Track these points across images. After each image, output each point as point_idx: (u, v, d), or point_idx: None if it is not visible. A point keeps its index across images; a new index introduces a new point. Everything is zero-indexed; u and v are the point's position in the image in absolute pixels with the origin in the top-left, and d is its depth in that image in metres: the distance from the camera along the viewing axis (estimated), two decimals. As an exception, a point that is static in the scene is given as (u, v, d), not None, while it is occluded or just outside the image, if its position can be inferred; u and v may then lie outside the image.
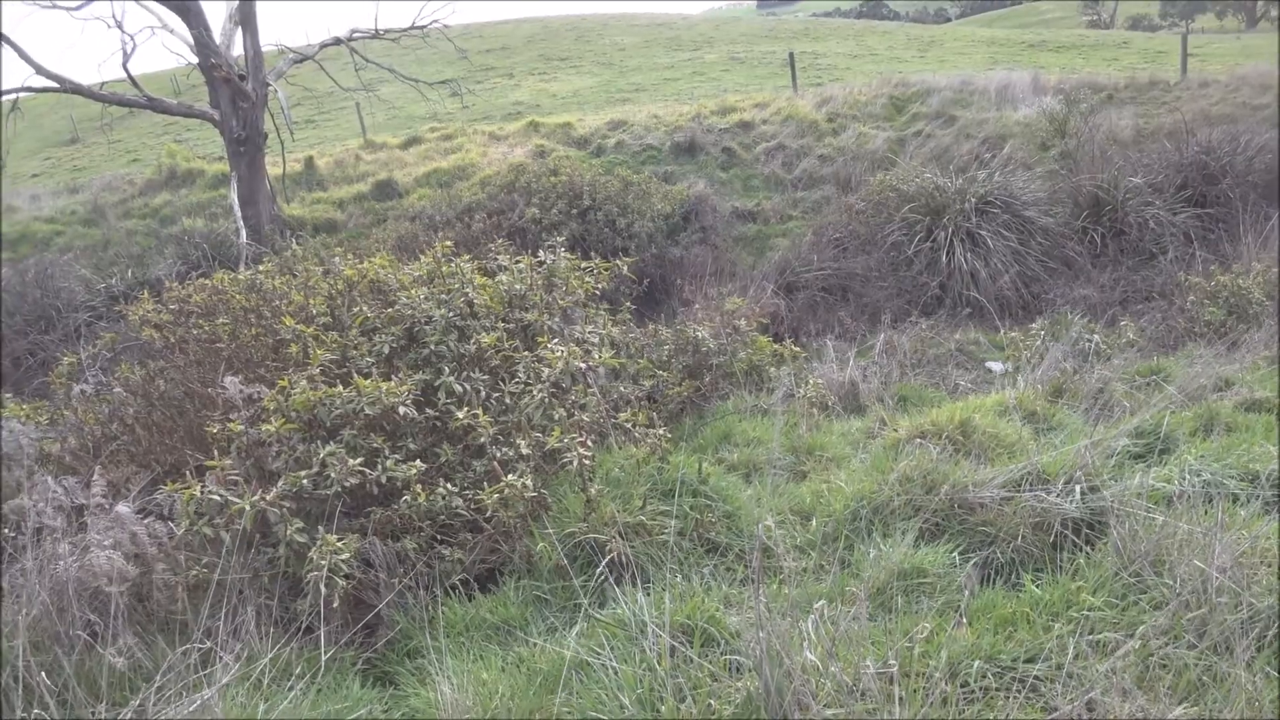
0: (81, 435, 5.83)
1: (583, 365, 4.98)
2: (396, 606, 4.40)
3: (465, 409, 4.83)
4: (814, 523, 4.61)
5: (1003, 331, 9.95)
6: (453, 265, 6.41)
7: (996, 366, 10.27)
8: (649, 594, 3.63)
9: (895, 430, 5.54)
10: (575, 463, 4.23)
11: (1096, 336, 8.37)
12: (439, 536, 4.67)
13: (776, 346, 7.67)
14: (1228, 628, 3.01)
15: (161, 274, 14.99)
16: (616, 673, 3.06)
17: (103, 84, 16.02)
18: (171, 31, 15.84)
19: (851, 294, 13.70)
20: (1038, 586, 3.65)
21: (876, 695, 2.59)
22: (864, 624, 3.47)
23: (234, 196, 16.44)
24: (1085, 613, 3.34)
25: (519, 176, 17.01)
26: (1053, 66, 24.10)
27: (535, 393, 4.94)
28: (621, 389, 6.24)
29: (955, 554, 4.11)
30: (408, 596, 4.41)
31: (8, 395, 6.99)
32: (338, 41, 17.73)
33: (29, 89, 15.29)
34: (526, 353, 5.29)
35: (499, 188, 17.13)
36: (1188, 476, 4.56)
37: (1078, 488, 4.20)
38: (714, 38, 34.23)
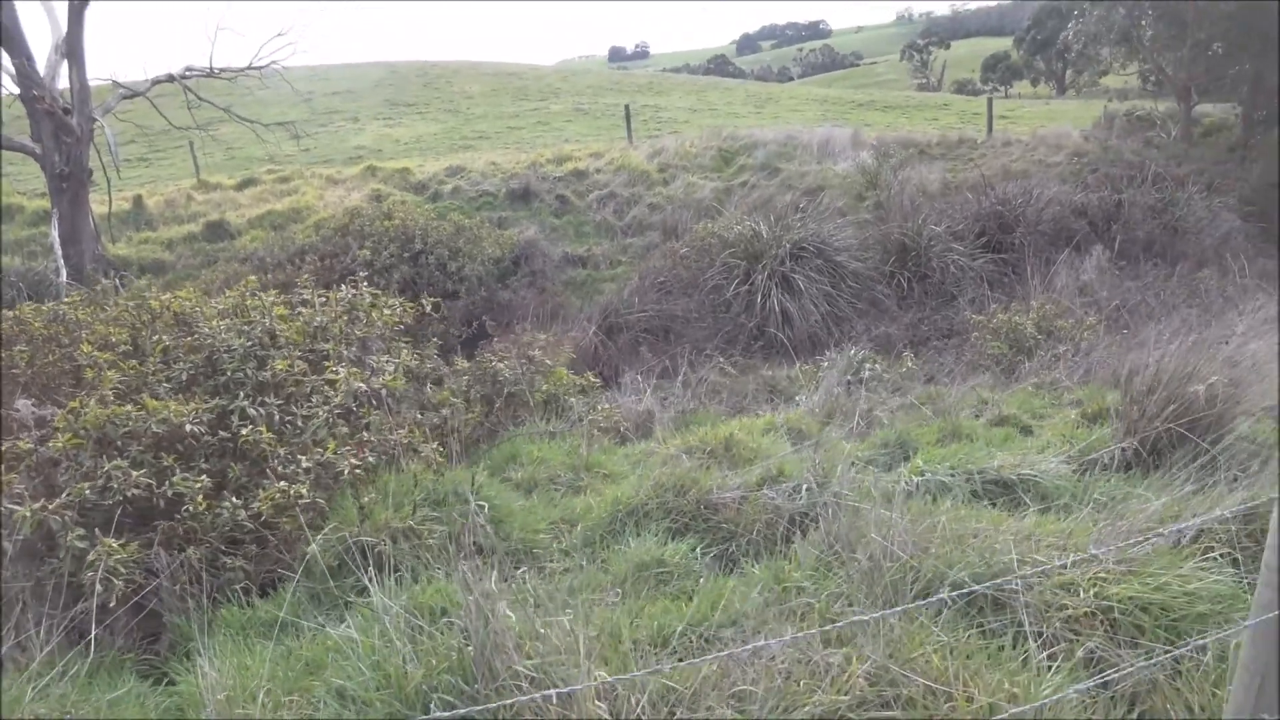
0: None
1: (363, 386, 5.31)
2: (179, 613, 4.59)
3: (252, 428, 5.08)
4: (578, 528, 5.06)
5: (797, 365, 10.75)
6: (257, 299, 6.64)
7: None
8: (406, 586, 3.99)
9: (666, 446, 6.07)
10: (346, 472, 4.56)
11: (878, 366, 9.20)
12: (224, 549, 4.88)
13: (576, 379, 8.16)
14: (889, 586, 3.59)
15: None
16: (360, 647, 3.40)
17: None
18: (-11, 60, 15.32)
19: (673, 334, 14.41)
20: (755, 569, 4.18)
21: (567, 648, 3.02)
22: (611, 605, 3.97)
23: (55, 234, 15.95)
24: (786, 585, 3.88)
25: (353, 220, 17.12)
26: (878, 124, 25.96)
27: (321, 414, 5.24)
28: (417, 415, 6.58)
29: (698, 548, 4.63)
30: (190, 603, 4.60)
31: None
32: (171, 79, 17.51)
33: None
34: (315, 377, 5.58)
35: (333, 230, 17.19)
36: (913, 476, 5.27)
37: (804, 488, 4.80)
38: (561, 89, 35.17)
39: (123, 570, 4.32)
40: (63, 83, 15.79)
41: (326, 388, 5.60)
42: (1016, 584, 3.40)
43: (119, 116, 17.57)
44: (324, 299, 6.96)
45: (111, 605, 4.25)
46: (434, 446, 5.25)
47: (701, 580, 4.27)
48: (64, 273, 15.57)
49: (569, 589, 4.37)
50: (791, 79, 76.61)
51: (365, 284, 7.09)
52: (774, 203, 17.57)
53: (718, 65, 78.59)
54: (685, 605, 3.88)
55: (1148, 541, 3.72)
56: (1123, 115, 23.80)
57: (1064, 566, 3.52)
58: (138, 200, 18.80)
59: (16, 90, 15.08)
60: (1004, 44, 74.33)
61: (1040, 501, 5.02)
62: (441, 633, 3.25)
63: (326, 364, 5.73)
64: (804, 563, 4.00)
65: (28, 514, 4.36)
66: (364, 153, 24.59)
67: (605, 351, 13.90)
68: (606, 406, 8.06)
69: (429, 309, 7.56)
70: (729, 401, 10.83)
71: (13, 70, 14.93)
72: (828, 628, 3.23)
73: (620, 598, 4.08)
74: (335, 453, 4.77)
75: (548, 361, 8.49)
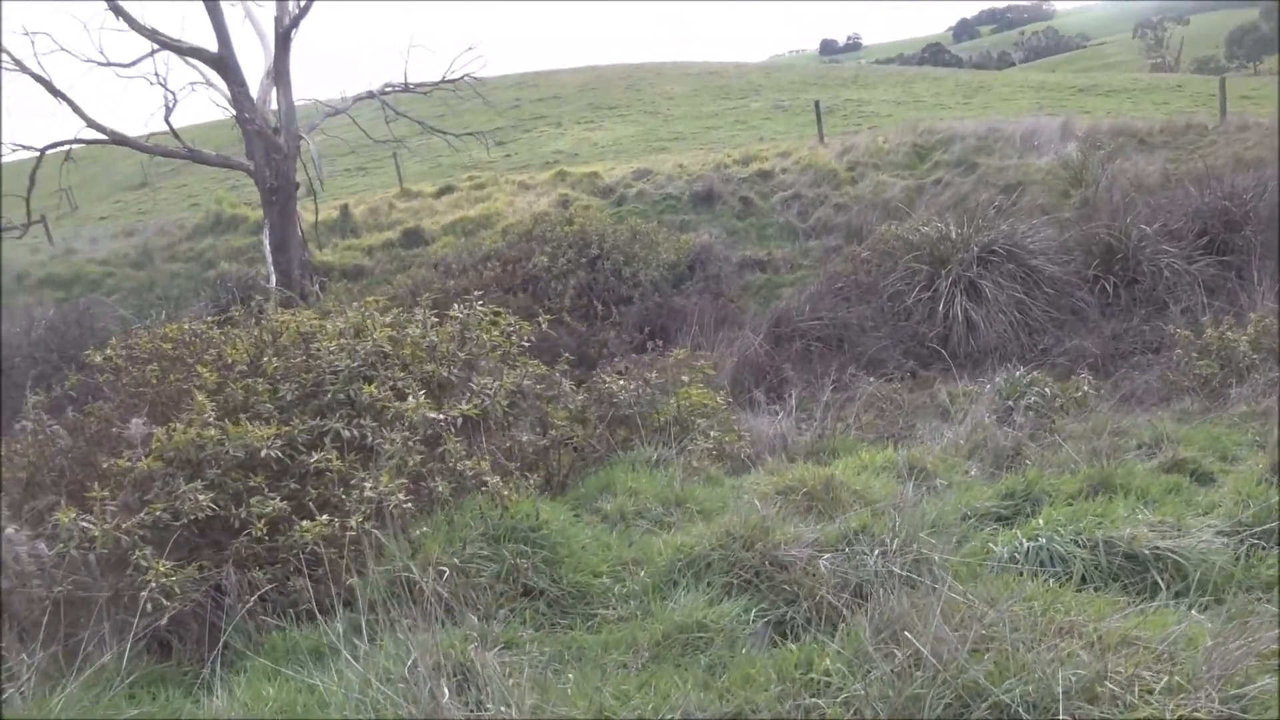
0: (13, 467, 6.28)
1: (436, 415, 5.21)
2: (241, 632, 4.68)
3: (322, 453, 5.09)
4: (641, 573, 4.73)
5: (960, 384, 9.86)
6: (369, 318, 6.75)
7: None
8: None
9: (760, 484, 5.62)
10: (392, 507, 4.46)
11: (1047, 390, 8.26)
12: (291, 571, 4.92)
13: (705, 398, 7.77)
14: (911, 700, 3.06)
15: (193, 315, 15.79)
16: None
17: (148, 136, 16.99)
18: (211, 85, 16.77)
19: (847, 344, 13.70)
20: (793, 649, 3.71)
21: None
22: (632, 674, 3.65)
23: (266, 243, 17.24)
24: (812, 676, 3.40)
25: (537, 225, 17.49)
26: (1098, 110, 23.80)
27: (397, 440, 5.19)
28: (522, 437, 6.45)
29: (752, 611, 4.19)
30: (250, 623, 4.68)
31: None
32: (371, 95, 18.51)
33: (80, 140, 16.31)
34: (399, 403, 5.54)
35: (518, 236, 17.64)
36: (1026, 541, 4.56)
37: (876, 551, 4.25)
38: (763, 85, 34.60)
39: (178, 591, 4.43)
40: (273, 105, 17.00)
41: (411, 413, 5.56)
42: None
43: (327, 133, 18.74)
44: (436, 319, 6.97)
45: (164, 623, 4.37)
46: (498, 480, 5.05)
47: (744, 651, 3.85)
48: (274, 278, 16.80)
49: (602, 644, 4.08)
50: (1012, 64, 71.89)
51: (478, 304, 7.00)
52: (968, 201, 16.39)
53: (932, 54, 74.97)
54: (704, 684, 3.49)
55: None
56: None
57: (1147, 695, 2.85)
58: (345, 209, 20.02)
59: (233, 113, 16.35)
60: (1251, 15, 66.19)
61: (1183, 583, 4.20)
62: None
63: (408, 390, 5.68)
64: (844, 649, 3.49)
65: (98, 533, 4.54)
66: (561, 157, 25.12)
67: (772, 361, 13.38)
68: (733, 431, 7.64)
69: (545, 327, 7.42)
70: (888, 421, 10.12)
71: (229, 96, 16.20)
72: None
73: (640, 666, 3.73)
74: (389, 485, 4.68)
75: (684, 379, 8.16)
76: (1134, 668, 3.10)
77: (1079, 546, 4.47)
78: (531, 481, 6.06)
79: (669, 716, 3.15)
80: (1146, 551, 4.29)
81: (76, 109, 16.26)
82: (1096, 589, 4.12)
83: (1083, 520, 4.72)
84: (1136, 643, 3.31)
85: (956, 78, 37.26)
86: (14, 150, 16.18)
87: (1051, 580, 4.08)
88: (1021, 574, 4.17)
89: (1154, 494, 5.54)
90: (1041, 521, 4.77)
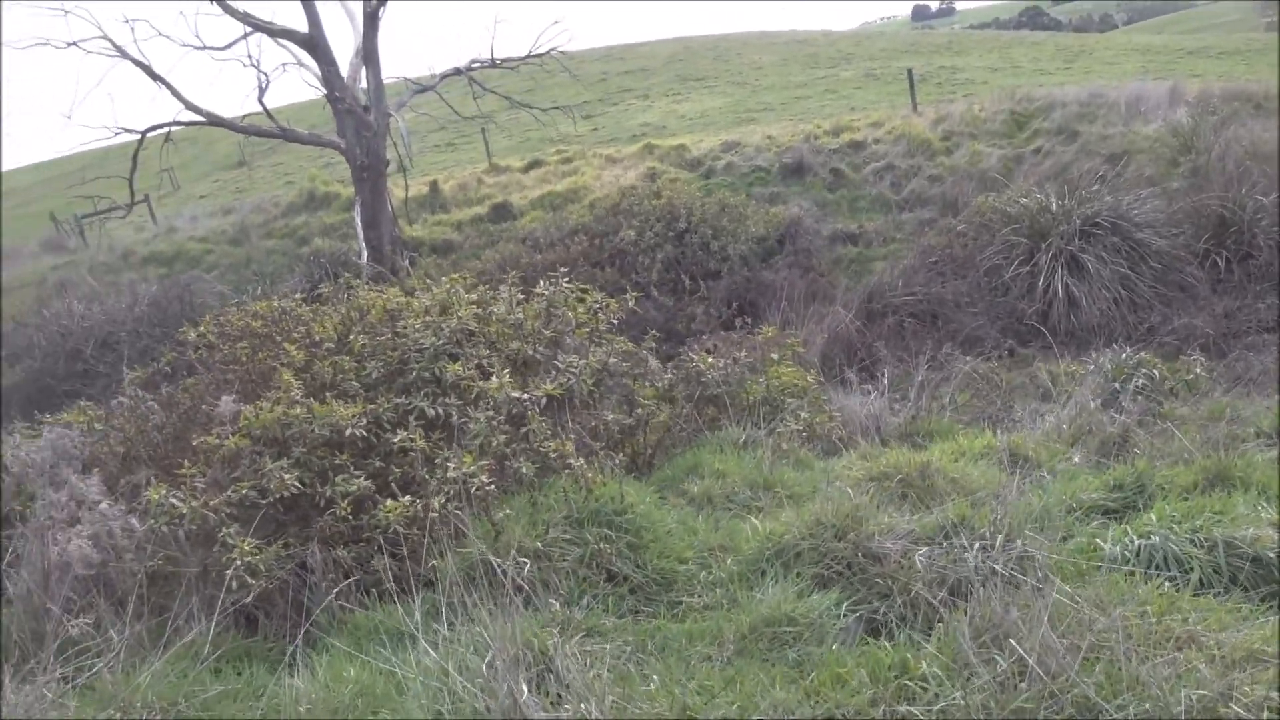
0: (110, 441, 6.45)
1: (520, 395, 5.14)
2: (324, 609, 4.69)
3: (407, 432, 5.07)
4: (728, 560, 4.59)
5: (1062, 364, 9.41)
6: (455, 296, 6.71)
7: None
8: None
9: (852, 469, 5.41)
10: (475, 489, 4.40)
11: (1156, 372, 7.81)
12: (380, 548, 4.91)
13: (795, 377, 7.55)
14: (1017, 713, 2.86)
15: (287, 290, 16.15)
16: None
17: (244, 116, 17.36)
18: (302, 66, 17.04)
19: (941, 320, 13.25)
20: (887, 648, 3.53)
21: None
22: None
23: (358, 219, 17.49)
24: (906, 681, 3.22)
25: (624, 199, 17.36)
26: (1209, 74, 22.53)
27: (482, 419, 5.13)
28: (607, 416, 6.35)
29: (843, 605, 4.01)
30: (332, 600, 4.69)
31: (84, 402, 7.76)
32: (458, 72, 18.57)
33: (179, 123, 16.75)
34: (483, 382, 5.48)
35: (605, 210, 17.52)
36: (1136, 538, 4.27)
37: (976, 545, 4.02)
38: (853, 54, 33.73)
39: (263, 569, 4.46)
40: (362, 83, 17.18)
41: (495, 392, 5.49)
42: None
43: (416, 110, 18.88)
44: (522, 297, 6.90)
45: (250, 599, 4.40)
46: (582, 463, 4.93)
47: (833, 647, 3.68)
48: (365, 253, 17.04)
49: (686, 635, 3.95)
50: (1115, 26, 68.53)
51: (564, 280, 6.89)
52: (1069, 171, 15.65)
53: (1030, 18, 71.63)
54: (791, 681, 3.34)
55: None
56: None
57: None
58: (434, 185, 20.20)
59: (324, 92, 16.58)
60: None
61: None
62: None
63: (493, 368, 5.62)
64: (941, 653, 3.29)
65: (186, 510, 4.60)
66: (648, 130, 24.88)
67: (864, 338, 13.03)
68: (824, 412, 7.42)
69: (632, 304, 7.29)
70: (985, 402, 9.74)
71: (320, 75, 16.42)
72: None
73: (725, 660, 3.60)
74: (472, 466, 4.62)
75: (773, 356, 7.95)
76: (1262, 688, 2.83)
77: (1195, 546, 4.15)
78: (616, 462, 5.96)
79: (756, 718, 2.99)
80: (1273, 554, 3.95)
81: (175, 92, 16.70)
82: (1216, 595, 3.82)
83: (1199, 517, 4.39)
84: (1264, 659, 3.04)
85: (1056, 41, 35.68)
86: (117, 133, 16.68)
87: (1166, 584, 3.80)
88: (1133, 574, 3.90)
89: (1277, 489, 5.15)
90: (1154, 517, 4.45)
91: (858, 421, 7.59)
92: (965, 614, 3.39)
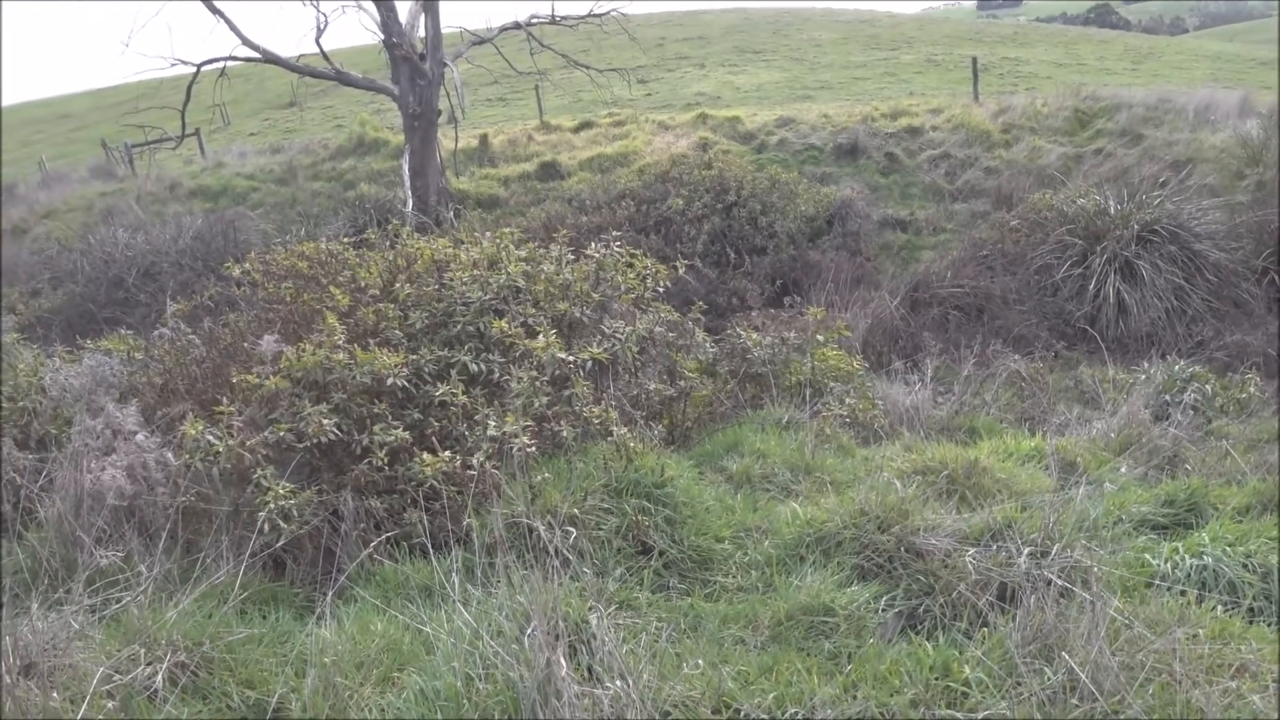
0: (149, 372, 6.45)
1: (566, 357, 5.05)
2: (354, 558, 4.65)
3: (448, 385, 5.01)
4: (765, 543, 4.50)
5: (1111, 371, 9.20)
6: (505, 250, 6.62)
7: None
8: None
9: (896, 460, 5.29)
10: (515, 450, 4.33)
11: (1209, 387, 7.61)
12: (414, 500, 4.87)
13: (841, 361, 7.42)
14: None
15: (331, 234, 16.15)
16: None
17: (299, 57, 17.28)
18: (361, 9, 16.92)
19: (987, 315, 13.03)
20: (928, 649, 3.43)
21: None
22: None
23: (405, 168, 17.41)
24: (949, 684, 3.13)
25: (674, 167, 17.18)
26: (1283, 88, 21.85)
27: (525, 379, 5.05)
28: (650, 385, 6.26)
29: (883, 599, 3.92)
30: (362, 550, 4.65)
31: (124, 330, 7.78)
32: (517, 26, 18.38)
33: (234, 58, 16.70)
34: (528, 341, 5.40)
35: (655, 177, 17.33)
36: (1188, 557, 4.13)
37: (1025, 550, 3.89)
38: (915, 38, 33.08)
39: (295, 514, 4.42)
40: (420, 31, 17.04)
41: (540, 352, 5.41)
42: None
43: (473, 61, 18.72)
44: (573, 257, 6.80)
45: (279, 543, 4.37)
46: (625, 432, 4.84)
47: (871, 642, 3.58)
48: (410, 202, 16.97)
49: (720, 616, 3.87)
50: (1185, 31, 66.75)
51: (616, 244, 6.78)
52: (1130, 175, 15.27)
53: (1098, 15, 69.84)
54: (829, 674, 3.25)
55: None
56: None
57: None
58: (484, 139, 20.07)
59: (381, 37, 16.46)
60: None
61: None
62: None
63: (539, 328, 5.53)
64: (988, 658, 3.18)
65: (222, 448, 4.56)
66: (703, 99, 24.55)
67: (908, 327, 12.84)
68: (868, 399, 7.27)
69: (681, 271, 7.17)
70: (1029, 402, 9.55)
71: (379, 20, 16.30)
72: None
73: (759, 645, 3.52)
74: (513, 425, 4.54)
75: (819, 338, 7.82)
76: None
77: (1248, 571, 4.02)
78: (655, 432, 5.88)
79: (797, 713, 2.91)
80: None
81: (233, 27, 16.62)
82: (1269, 624, 3.69)
83: (1253, 541, 4.24)
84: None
85: (1124, 41, 34.81)
86: (173, 64, 16.65)
87: (1219, 608, 3.67)
88: (1185, 594, 3.76)
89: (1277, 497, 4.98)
90: (1206, 538, 4.31)
91: (899, 411, 7.45)
92: (1015, 620, 3.28)
